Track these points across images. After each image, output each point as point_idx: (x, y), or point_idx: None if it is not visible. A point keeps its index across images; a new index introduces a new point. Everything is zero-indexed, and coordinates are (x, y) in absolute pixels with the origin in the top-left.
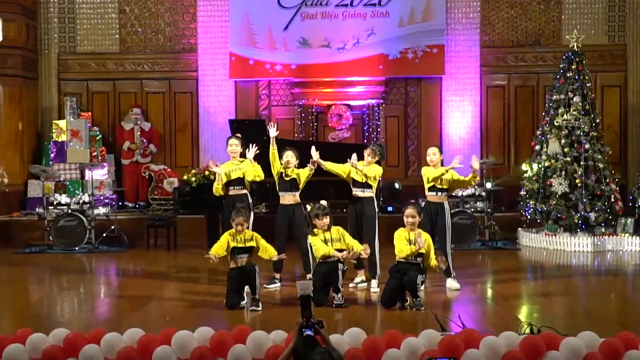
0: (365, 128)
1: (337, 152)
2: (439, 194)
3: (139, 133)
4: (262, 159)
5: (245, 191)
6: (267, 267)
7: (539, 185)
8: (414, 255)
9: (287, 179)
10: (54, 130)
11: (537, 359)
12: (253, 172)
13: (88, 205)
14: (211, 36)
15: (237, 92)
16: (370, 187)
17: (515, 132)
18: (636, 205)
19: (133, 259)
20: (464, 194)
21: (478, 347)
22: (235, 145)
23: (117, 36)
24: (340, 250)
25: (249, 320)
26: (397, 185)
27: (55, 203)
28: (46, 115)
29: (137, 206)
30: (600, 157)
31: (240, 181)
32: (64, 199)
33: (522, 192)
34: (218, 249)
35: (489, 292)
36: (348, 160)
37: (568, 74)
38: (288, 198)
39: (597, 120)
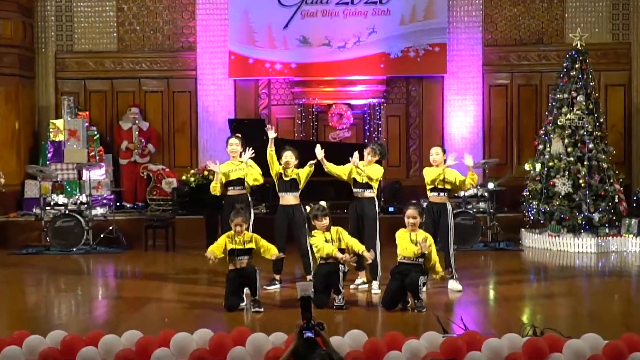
0: (366, 127)
1: (338, 152)
2: (441, 194)
3: (137, 133)
4: (262, 159)
5: (245, 192)
6: (267, 268)
7: (542, 185)
8: (416, 257)
9: (287, 179)
10: (51, 130)
11: None
12: (251, 175)
13: (86, 205)
14: (210, 34)
15: (236, 91)
16: (371, 187)
17: (518, 132)
18: None
19: (131, 260)
20: (466, 194)
21: (480, 349)
22: (235, 145)
23: (115, 34)
24: (342, 251)
25: (248, 322)
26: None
27: (52, 203)
28: (43, 114)
29: (135, 207)
30: (604, 157)
31: (240, 181)
32: (61, 199)
33: (525, 193)
34: (215, 249)
35: (492, 293)
36: (350, 159)
37: (571, 73)
38: (288, 198)
39: (601, 120)
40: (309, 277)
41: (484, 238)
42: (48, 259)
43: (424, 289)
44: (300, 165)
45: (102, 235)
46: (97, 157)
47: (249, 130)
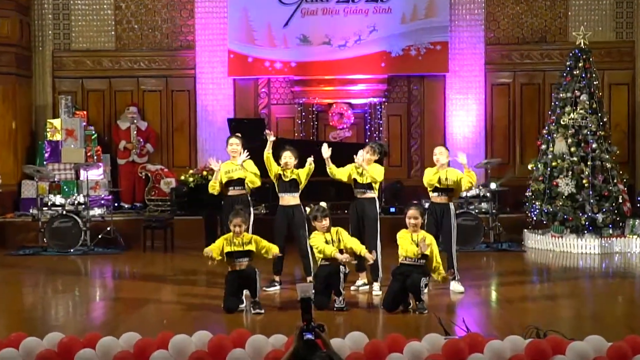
0: (367, 127)
1: (339, 152)
2: (443, 194)
3: (135, 132)
4: (262, 160)
5: (245, 192)
6: (267, 269)
7: (545, 185)
8: (417, 257)
9: (286, 179)
10: (48, 130)
11: None
12: (248, 178)
13: (83, 206)
14: (209, 33)
15: (235, 90)
16: (372, 188)
17: (521, 131)
18: None
19: (129, 261)
20: (469, 194)
21: (482, 351)
22: (236, 144)
23: (112, 33)
24: (341, 252)
25: (248, 324)
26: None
27: (49, 204)
28: (40, 113)
29: (134, 207)
30: (607, 156)
31: (240, 182)
32: (58, 199)
33: (528, 193)
34: (214, 248)
35: (494, 295)
36: (355, 157)
37: (575, 72)
38: (287, 199)
39: (605, 119)
40: (309, 278)
41: (486, 239)
42: (45, 259)
43: (426, 290)
44: (300, 165)
45: (99, 236)
46: (95, 157)
47: (248, 129)
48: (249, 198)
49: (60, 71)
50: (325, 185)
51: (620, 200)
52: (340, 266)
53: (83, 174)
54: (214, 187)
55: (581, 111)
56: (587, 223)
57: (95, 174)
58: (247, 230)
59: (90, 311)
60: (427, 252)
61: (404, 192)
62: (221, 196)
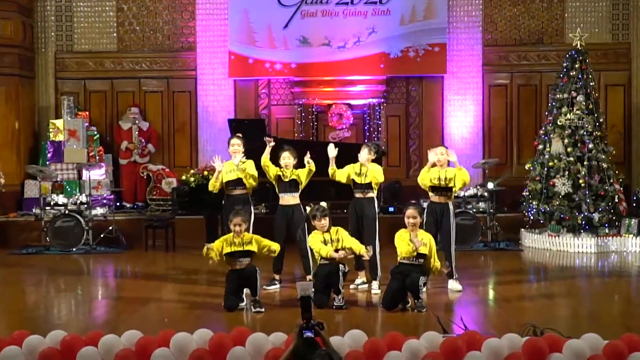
0: (366, 128)
1: (338, 152)
2: (442, 194)
3: (137, 133)
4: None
5: (245, 192)
6: (267, 268)
7: (542, 185)
8: (414, 256)
9: (286, 179)
10: (51, 130)
11: None
12: (246, 179)
13: (85, 205)
14: (210, 34)
15: (236, 91)
16: (371, 188)
17: (518, 132)
18: None
19: (131, 260)
20: (466, 194)
21: (480, 349)
22: (237, 145)
23: (114, 34)
24: (336, 251)
25: (248, 322)
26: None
27: (52, 203)
28: (43, 114)
29: (135, 207)
30: (604, 157)
31: (240, 182)
32: (61, 199)
33: (525, 193)
34: (213, 249)
35: (491, 293)
36: (358, 155)
37: (571, 73)
38: (287, 199)
39: (601, 120)
40: (309, 277)
41: (484, 238)
42: (48, 259)
43: (424, 289)
44: (300, 165)
45: (102, 235)
46: (97, 157)
47: (248, 130)
48: (250, 198)
49: (62, 72)
50: (325, 185)
51: (617, 200)
52: (340, 265)
53: (85, 174)
54: (214, 186)
55: (578, 112)
56: (583, 222)
57: (98, 174)
58: (247, 230)
59: (93, 310)
60: (425, 251)
61: (402, 191)
62: (222, 196)
